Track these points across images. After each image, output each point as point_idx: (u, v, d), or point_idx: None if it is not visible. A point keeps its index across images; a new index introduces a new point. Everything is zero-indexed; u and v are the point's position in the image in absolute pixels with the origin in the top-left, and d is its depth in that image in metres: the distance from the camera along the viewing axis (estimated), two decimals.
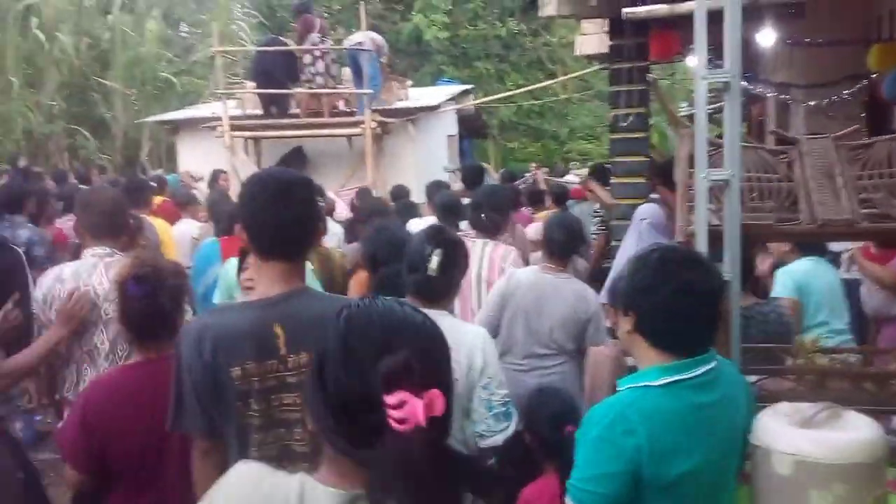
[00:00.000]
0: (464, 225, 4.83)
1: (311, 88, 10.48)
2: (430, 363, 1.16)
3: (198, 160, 10.66)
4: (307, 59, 10.40)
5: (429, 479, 1.10)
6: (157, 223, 5.80)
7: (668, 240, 4.49)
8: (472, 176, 6.99)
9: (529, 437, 2.94)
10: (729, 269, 2.34)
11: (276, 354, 2.06)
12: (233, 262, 3.78)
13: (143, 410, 2.38)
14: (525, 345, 3.78)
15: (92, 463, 2.44)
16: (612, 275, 4.86)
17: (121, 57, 15.75)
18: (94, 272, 3.11)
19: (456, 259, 2.75)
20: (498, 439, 2.63)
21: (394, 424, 1.07)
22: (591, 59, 9.81)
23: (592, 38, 8.21)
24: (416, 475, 1.09)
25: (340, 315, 1.23)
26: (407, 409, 1.07)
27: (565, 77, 13.80)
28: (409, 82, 13.15)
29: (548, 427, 2.91)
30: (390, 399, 1.08)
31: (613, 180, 6.11)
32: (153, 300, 2.43)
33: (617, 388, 1.97)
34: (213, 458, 2.13)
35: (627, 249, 4.76)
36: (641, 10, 5.10)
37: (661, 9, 4.99)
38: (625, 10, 5.09)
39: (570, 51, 11.93)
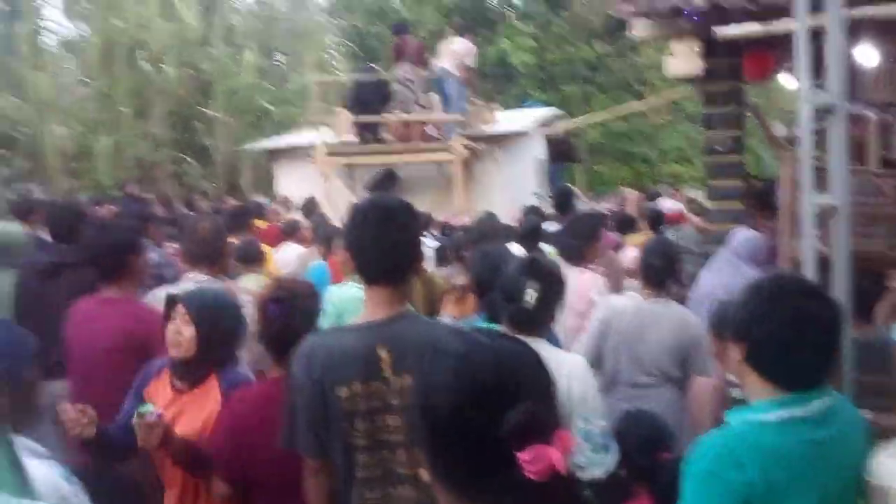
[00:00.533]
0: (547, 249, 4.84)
1: (402, 115, 10.71)
2: (549, 404, 1.10)
3: (294, 186, 11.01)
4: (398, 86, 10.63)
5: None
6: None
7: (762, 268, 4.39)
8: (562, 200, 6.95)
9: (620, 463, 2.89)
10: (839, 297, 2.27)
11: (381, 376, 2.12)
12: (344, 285, 3.90)
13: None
14: (629, 373, 3.70)
15: (236, 473, 2.54)
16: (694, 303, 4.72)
17: (221, 87, 16.43)
18: None
19: (552, 290, 2.74)
20: (598, 472, 2.59)
21: (529, 475, 1.00)
22: (681, 80, 9.66)
23: (682, 58, 8.07)
24: None
25: (447, 369, 1.09)
26: (544, 462, 1.01)
27: (656, 102, 13.61)
28: (497, 106, 13.24)
29: (638, 451, 2.79)
30: (524, 455, 1.00)
31: (708, 205, 5.99)
32: (290, 320, 2.53)
33: (724, 421, 1.91)
34: (321, 477, 2.21)
35: (714, 277, 4.64)
36: (735, 29, 5.00)
37: (755, 28, 4.88)
38: (717, 29, 5.02)
39: (659, 72, 11.78)
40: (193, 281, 3.27)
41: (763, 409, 1.81)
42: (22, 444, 1.85)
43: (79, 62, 17.16)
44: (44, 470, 1.85)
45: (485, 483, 1.06)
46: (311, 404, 2.13)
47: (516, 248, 5.33)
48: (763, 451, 1.75)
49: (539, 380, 1.11)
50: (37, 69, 15.64)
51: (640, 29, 5.81)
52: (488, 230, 4.83)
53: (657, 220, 8.02)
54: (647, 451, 2.79)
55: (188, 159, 15.86)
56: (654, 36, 6.03)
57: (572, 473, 1.08)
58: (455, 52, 10.68)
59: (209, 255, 3.36)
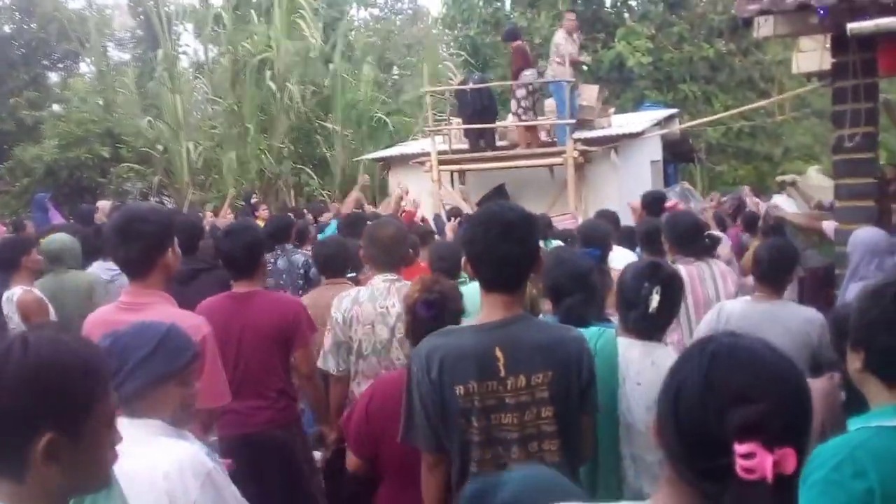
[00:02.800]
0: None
1: (523, 121, 10.75)
2: (791, 419, 1.11)
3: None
4: (520, 92, 10.67)
5: None
6: None
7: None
8: (652, 203, 6.70)
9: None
10: None
11: (497, 376, 2.19)
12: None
13: None
14: None
15: (368, 450, 2.75)
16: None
17: (340, 101, 16.99)
18: (388, 295, 3.48)
19: (676, 295, 2.74)
20: None
21: (741, 473, 1.06)
22: (809, 76, 9.25)
23: (811, 54, 7.74)
24: None
25: (706, 348, 1.20)
26: (756, 461, 1.05)
27: (781, 97, 13.04)
28: (612, 109, 13.06)
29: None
30: (740, 448, 1.06)
31: (837, 204, 5.72)
32: (438, 321, 2.64)
33: (839, 426, 1.90)
34: (438, 471, 2.29)
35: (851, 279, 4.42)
36: (868, 24, 4.75)
37: (889, 22, 4.63)
38: (850, 25, 4.77)
39: (785, 68, 11.29)
40: (387, 280, 3.54)
41: (885, 415, 1.76)
42: (170, 430, 2.06)
43: (208, 82, 18.15)
44: (192, 448, 2.04)
45: (698, 464, 1.13)
46: (428, 402, 2.21)
47: (623, 252, 5.28)
48: (884, 458, 1.69)
49: (791, 397, 1.14)
50: (172, 91, 16.66)
51: (765, 27, 5.62)
52: (592, 233, 4.78)
53: (778, 230, 7.71)
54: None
55: (308, 170, 16.47)
56: (783, 34, 5.82)
57: (785, 489, 1.09)
58: (559, 45, 10.60)
59: (391, 261, 3.60)
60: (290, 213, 8.91)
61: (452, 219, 8.09)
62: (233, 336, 3.54)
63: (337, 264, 4.51)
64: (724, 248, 6.41)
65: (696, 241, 4.38)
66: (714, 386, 1.14)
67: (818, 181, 9.20)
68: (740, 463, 1.05)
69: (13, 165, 16.63)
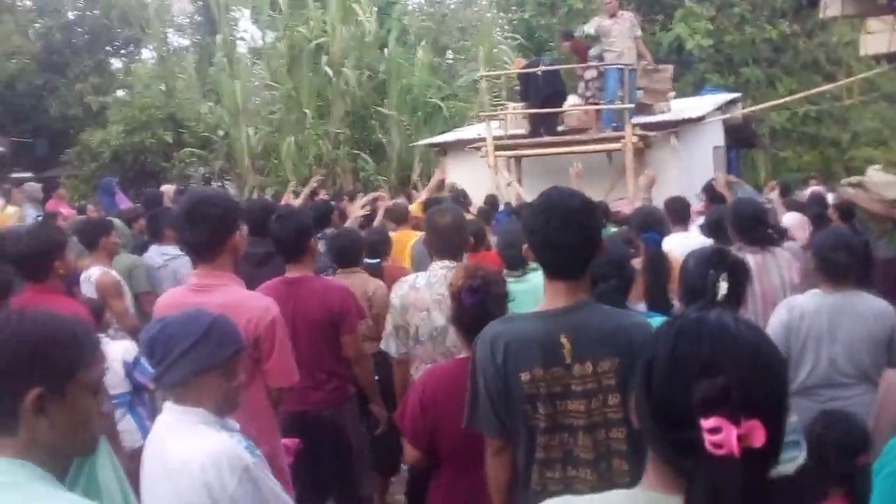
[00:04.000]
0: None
1: (590, 104, 10.66)
2: (755, 390, 1.09)
3: (463, 179, 11.24)
4: (590, 73, 10.54)
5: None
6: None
7: None
8: (711, 190, 6.63)
9: (814, 463, 2.73)
10: None
11: (562, 363, 2.19)
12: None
13: None
14: (823, 376, 3.48)
15: (425, 442, 2.78)
16: None
17: (395, 86, 17.04)
18: (444, 283, 3.45)
19: (742, 282, 2.69)
20: (789, 468, 2.54)
21: (709, 448, 1.05)
22: (878, 58, 8.96)
23: (880, 35, 7.49)
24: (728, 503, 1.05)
25: (674, 323, 1.21)
26: (722, 435, 1.04)
27: (848, 80, 12.64)
28: (672, 94, 12.82)
29: (836, 454, 2.69)
30: (706, 422, 1.05)
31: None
32: (483, 307, 2.68)
33: None
34: (503, 456, 2.30)
35: None
36: None
37: None
38: None
39: (852, 50, 10.95)
40: (444, 267, 3.54)
41: None
42: (212, 419, 2.11)
43: (266, 67, 18.38)
44: (230, 442, 2.07)
45: (671, 440, 1.13)
46: (493, 388, 2.22)
47: (681, 237, 5.20)
48: None
49: (759, 369, 1.13)
50: (231, 77, 16.93)
51: (832, 8, 5.48)
52: (648, 217, 4.73)
53: (848, 213, 7.47)
54: (846, 454, 2.67)
55: (364, 156, 16.59)
56: (851, 15, 5.66)
57: (760, 471, 1.09)
58: (621, 32, 10.43)
59: (450, 248, 3.62)
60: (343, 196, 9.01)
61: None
62: (286, 320, 3.56)
63: (350, 255, 4.59)
64: (803, 230, 6.23)
65: (758, 230, 4.28)
66: (680, 360, 1.14)
67: (881, 178, 8.92)
68: (707, 438, 1.04)
69: (80, 150, 17.11)
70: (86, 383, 1.47)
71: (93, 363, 1.50)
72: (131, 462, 2.63)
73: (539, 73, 10.79)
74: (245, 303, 2.86)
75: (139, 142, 16.30)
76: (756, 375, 1.11)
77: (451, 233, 3.62)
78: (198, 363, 2.08)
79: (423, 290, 3.55)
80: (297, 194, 8.76)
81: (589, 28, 10.66)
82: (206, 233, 2.84)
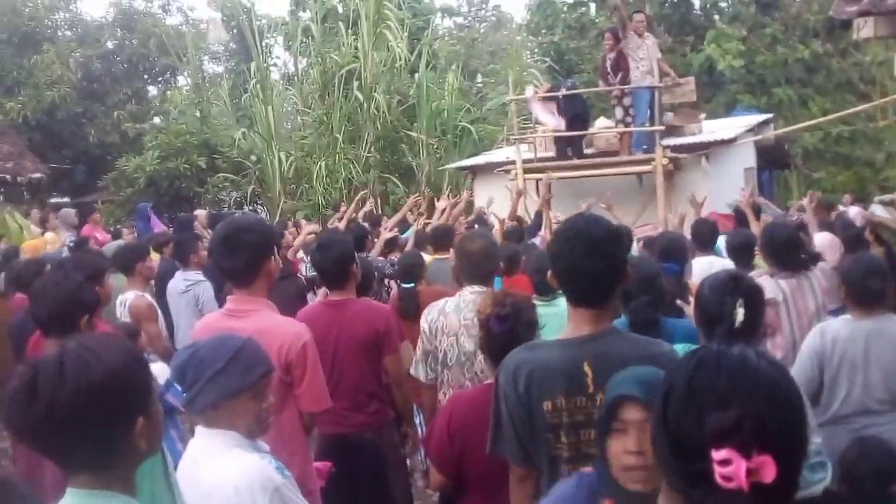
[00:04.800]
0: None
1: (620, 127, 10.63)
2: (769, 425, 1.08)
3: (493, 202, 11.25)
4: (628, 100, 10.47)
5: None
6: None
7: None
8: (739, 213, 6.51)
9: (847, 489, 2.71)
10: None
11: (585, 391, 2.17)
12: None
13: None
14: (858, 403, 3.41)
15: (452, 467, 2.78)
16: None
17: (425, 110, 17.15)
18: (473, 308, 3.45)
19: (759, 307, 2.65)
20: (815, 490, 2.50)
21: (719, 480, 1.05)
22: None
23: None
24: None
25: (696, 354, 1.21)
26: (732, 468, 1.04)
27: (883, 100, 12.49)
28: (703, 115, 12.74)
29: (871, 481, 2.66)
30: (717, 454, 1.05)
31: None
32: (511, 334, 2.69)
33: None
34: (526, 484, 2.29)
35: None
36: None
37: None
38: None
39: (886, 70, 10.83)
40: (474, 292, 3.55)
41: None
42: (244, 441, 2.14)
43: (298, 93, 18.65)
44: (261, 463, 2.11)
45: (684, 471, 1.14)
46: (516, 416, 2.22)
47: (705, 262, 5.14)
48: None
49: (775, 404, 1.12)
50: (264, 103, 17.19)
51: (866, 29, 5.43)
52: (670, 246, 4.68)
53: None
54: (880, 482, 2.64)
55: (394, 179, 16.71)
56: (884, 36, 5.61)
57: (764, 498, 1.08)
58: (648, 52, 10.41)
59: (479, 274, 3.65)
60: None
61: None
62: (329, 342, 3.70)
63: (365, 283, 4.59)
64: (834, 251, 6.14)
65: (792, 256, 4.24)
66: (696, 391, 1.14)
67: None
68: (718, 470, 1.04)
69: (117, 176, 17.43)
70: (155, 395, 1.61)
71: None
72: None
73: (560, 96, 10.81)
74: (278, 328, 2.91)
75: (174, 167, 16.56)
76: (771, 410, 1.10)
77: (480, 258, 3.65)
78: (228, 386, 2.11)
79: (451, 315, 3.56)
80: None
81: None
82: (243, 259, 2.89)
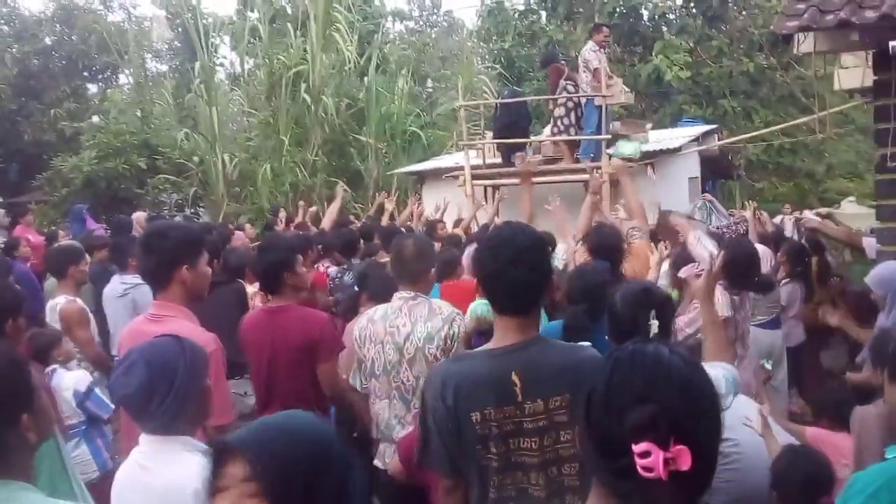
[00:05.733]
0: None
1: (549, 136, 10.65)
2: (683, 418, 1.15)
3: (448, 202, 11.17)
4: (559, 111, 10.54)
5: None
6: None
7: None
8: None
9: (778, 498, 2.75)
10: None
11: (514, 401, 2.16)
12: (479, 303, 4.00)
13: None
14: None
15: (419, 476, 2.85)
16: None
17: (374, 114, 17.04)
18: (399, 314, 3.45)
19: (669, 319, 2.71)
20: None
21: (640, 472, 1.12)
22: (852, 92, 9.03)
23: (853, 71, 7.54)
24: None
25: (612, 356, 1.28)
26: (651, 459, 1.11)
27: (822, 113, 12.78)
28: (649, 125, 12.87)
29: (801, 491, 2.69)
30: (637, 447, 1.12)
31: (879, 225, 5.52)
32: None
33: (885, 456, 1.84)
34: (455, 495, 2.27)
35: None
36: None
37: None
38: (892, 42, 4.62)
39: (828, 83, 11.06)
40: (402, 298, 3.51)
41: None
42: (197, 446, 2.13)
43: (244, 94, 18.35)
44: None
45: (610, 467, 1.20)
46: (445, 428, 2.20)
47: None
48: None
49: (690, 398, 1.19)
50: (209, 103, 16.85)
51: (806, 44, 5.50)
52: (601, 244, 4.64)
53: (819, 246, 7.47)
54: (811, 491, 2.69)
55: (341, 183, 16.53)
56: (824, 51, 5.68)
57: (690, 495, 1.17)
58: (588, 60, 10.44)
59: (409, 274, 3.58)
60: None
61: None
62: (265, 349, 3.70)
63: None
64: (766, 263, 6.20)
65: (749, 277, 4.33)
66: (615, 390, 1.21)
67: (854, 210, 9.02)
68: (639, 462, 1.11)
69: (52, 176, 16.90)
70: (38, 387, 1.75)
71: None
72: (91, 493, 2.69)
73: (498, 104, 10.79)
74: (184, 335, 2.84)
75: (112, 168, 16.07)
76: (685, 404, 1.17)
77: (410, 258, 3.58)
78: (194, 389, 2.15)
79: (378, 323, 3.49)
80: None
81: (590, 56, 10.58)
82: (153, 263, 2.96)
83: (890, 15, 4.79)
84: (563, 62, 11.24)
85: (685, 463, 1.11)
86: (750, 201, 9.37)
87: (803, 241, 7.47)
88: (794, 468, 2.74)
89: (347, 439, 3.98)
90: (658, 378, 1.19)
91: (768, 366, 5.19)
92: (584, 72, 10.37)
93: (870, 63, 5.66)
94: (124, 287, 5.79)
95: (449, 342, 3.30)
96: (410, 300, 3.46)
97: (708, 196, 10.54)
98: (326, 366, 3.74)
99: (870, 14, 4.91)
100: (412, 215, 9.32)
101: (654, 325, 2.56)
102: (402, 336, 3.39)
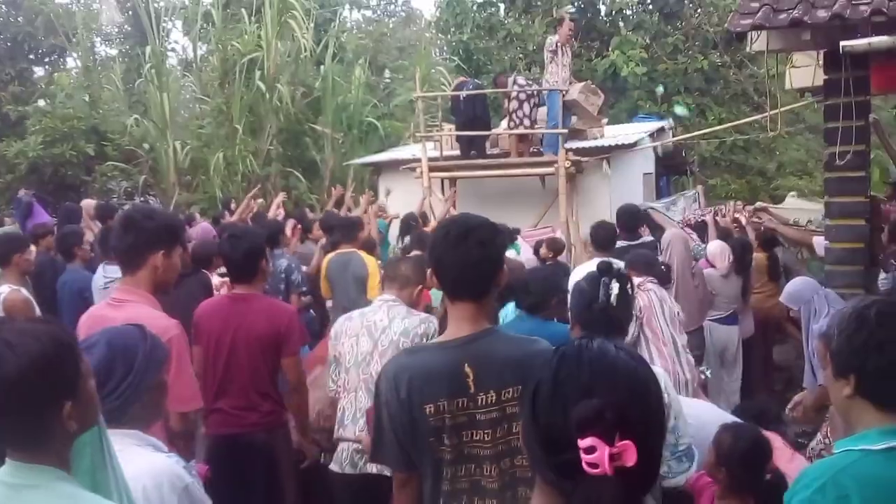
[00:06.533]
0: None
1: (508, 129, 10.66)
2: (629, 413, 1.15)
3: (397, 199, 11.12)
4: (513, 104, 10.56)
5: None
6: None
7: None
8: (628, 219, 6.53)
9: (724, 475, 2.85)
10: None
11: (467, 393, 2.17)
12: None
13: None
14: None
15: None
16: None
17: (330, 103, 16.86)
18: (378, 312, 3.55)
19: (630, 292, 2.82)
20: (679, 480, 2.73)
21: (585, 467, 1.11)
22: (803, 91, 9.19)
23: (805, 70, 7.67)
24: None
25: (557, 351, 1.27)
26: (596, 454, 1.11)
27: (773, 111, 13.01)
28: (605, 120, 12.96)
29: (739, 464, 2.83)
30: (581, 442, 1.12)
31: (828, 222, 5.62)
32: None
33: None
34: (409, 489, 2.26)
35: None
36: (861, 42, 4.66)
37: (883, 41, 4.54)
38: (843, 42, 4.69)
39: (780, 82, 11.27)
40: (382, 300, 3.65)
41: (870, 438, 1.75)
42: (146, 440, 2.09)
43: (197, 81, 18.00)
44: (169, 462, 2.06)
45: (554, 463, 1.19)
46: (398, 421, 2.19)
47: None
48: (867, 482, 1.69)
49: (634, 392, 1.19)
50: (160, 89, 16.48)
51: (759, 42, 5.57)
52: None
53: (772, 242, 7.62)
54: (748, 464, 2.83)
55: (296, 173, 16.33)
56: (776, 49, 5.77)
57: (635, 490, 1.16)
58: (556, 53, 10.49)
59: (402, 280, 3.71)
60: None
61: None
62: (226, 337, 3.68)
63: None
64: (724, 259, 6.35)
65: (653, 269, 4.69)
66: (561, 384, 1.21)
67: (796, 204, 9.27)
68: (584, 457, 1.11)
69: None
70: (86, 374, 1.65)
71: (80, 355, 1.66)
72: None
73: (462, 97, 10.78)
74: (145, 320, 2.78)
75: (59, 153, 15.60)
76: (630, 399, 1.17)
77: (405, 268, 3.74)
78: (149, 380, 2.10)
79: (356, 319, 3.60)
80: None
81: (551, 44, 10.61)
82: (129, 242, 2.91)
83: (841, 15, 4.87)
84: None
85: (631, 458, 1.11)
86: (734, 200, 9.65)
87: (753, 237, 7.62)
88: (737, 445, 2.85)
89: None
90: (604, 372, 1.19)
91: (708, 373, 5.36)
92: (551, 62, 10.42)
93: (821, 62, 5.75)
94: (106, 280, 5.71)
95: (425, 340, 3.38)
96: (390, 302, 3.58)
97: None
98: (291, 360, 3.76)
99: (822, 14, 4.99)
100: (367, 209, 9.23)
101: (615, 288, 2.68)
102: (379, 329, 3.48)
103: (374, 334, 3.47)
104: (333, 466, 3.58)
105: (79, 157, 15.84)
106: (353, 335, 3.53)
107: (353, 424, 3.49)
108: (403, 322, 3.47)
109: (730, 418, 3.32)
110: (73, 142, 15.81)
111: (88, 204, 9.92)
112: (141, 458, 2.01)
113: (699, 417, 3.02)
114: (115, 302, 2.93)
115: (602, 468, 1.10)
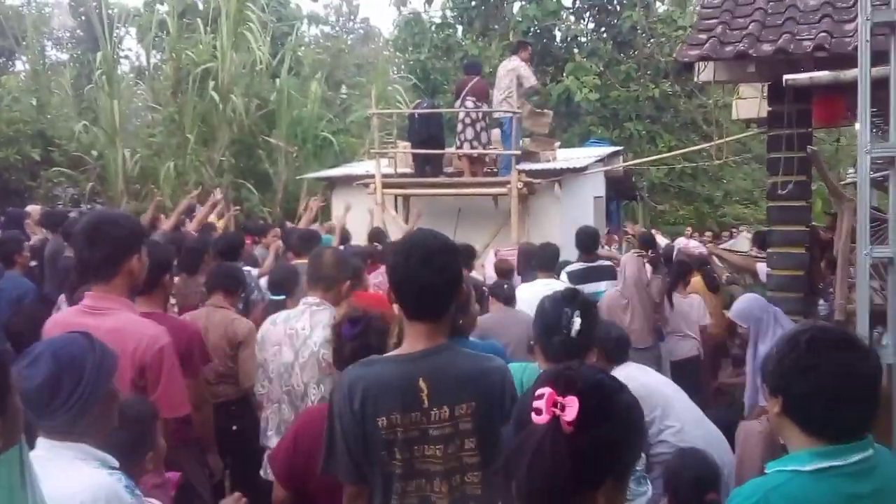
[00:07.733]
0: None
1: (462, 149, 10.73)
2: (583, 379, 1.26)
3: (350, 215, 11.08)
4: (459, 126, 10.66)
5: (547, 471, 1.18)
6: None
7: None
8: (587, 241, 6.62)
9: (670, 497, 2.93)
10: (893, 351, 2.15)
11: (420, 407, 2.15)
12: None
13: None
14: None
15: (295, 482, 2.74)
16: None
17: (285, 117, 16.76)
18: (301, 318, 3.48)
19: (593, 320, 2.79)
20: (640, 502, 2.71)
21: (533, 417, 1.21)
22: (749, 122, 9.49)
23: (751, 101, 7.94)
24: (537, 464, 1.19)
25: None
26: (542, 400, 1.20)
27: (720, 140, 13.42)
28: (558, 143, 13.16)
29: (690, 490, 2.89)
30: (538, 392, 1.23)
31: (771, 250, 5.80)
32: (364, 340, 2.68)
33: (764, 470, 1.88)
34: (359, 502, 2.24)
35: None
36: (804, 76, 4.85)
37: (824, 76, 4.73)
38: (786, 76, 4.88)
39: (727, 113, 11.60)
40: (307, 304, 3.56)
41: (800, 459, 1.79)
42: (93, 454, 1.99)
43: (149, 89, 17.74)
44: (109, 480, 1.98)
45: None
46: (350, 433, 2.17)
47: (538, 285, 5.50)
48: (796, 502, 1.73)
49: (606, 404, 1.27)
50: (110, 96, 16.20)
51: (706, 73, 5.74)
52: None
53: (703, 262, 7.86)
54: (697, 489, 2.89)
55: (249, 185, 16.18)
56: (723, 81, 5.95)
57: (574, 444, 1.20)
58: (509, 70, 10.66)
59: (320, 281, 3.61)
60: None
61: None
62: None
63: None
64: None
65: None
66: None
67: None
68: (534, 404, 1.22)
69: None
70: (14, 388, 1.51)
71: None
72: None
73: (416, 115, 10.83)
74: (134, 328, 2.83)
75: (3, 158, 15.23)
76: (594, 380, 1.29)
77: (319, 267, 3.62)
78: (99, 391, 2.01)
79: (279, 325, 3.52)
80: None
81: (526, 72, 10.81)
82: (102, 253, 2.82)
83: (785, 49, 5.06)
84: (482, 77, 11.37)
85: (572, 412, 1.18)
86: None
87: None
88: (684, 468, 2.93)
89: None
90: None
91: None
92: (518, 86, 10.53)
93: (765, 94, 5.96)
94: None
95: None
96: (315, 306, 3.50)
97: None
98: (192, 381, 3.53)
99: (766, 48, 5.18)
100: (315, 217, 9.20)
101: (577, 322, 2.66)
102: (301, 339, 3.42)
103: (296, 344, 3.42)
104: (263, 473, 3.51)
105: (23, 161, 15.49)
106: (276, 343, 3.48)
107: (277, 436, 3.43)
108: (325, 331, 3.34)
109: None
110: (18, 146, 15.47)
111: (34, 210, 9.67)
112: (81, 474, 1.94)
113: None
114: (91, 310, 2.82)
115: (545, 414, 1.19)
